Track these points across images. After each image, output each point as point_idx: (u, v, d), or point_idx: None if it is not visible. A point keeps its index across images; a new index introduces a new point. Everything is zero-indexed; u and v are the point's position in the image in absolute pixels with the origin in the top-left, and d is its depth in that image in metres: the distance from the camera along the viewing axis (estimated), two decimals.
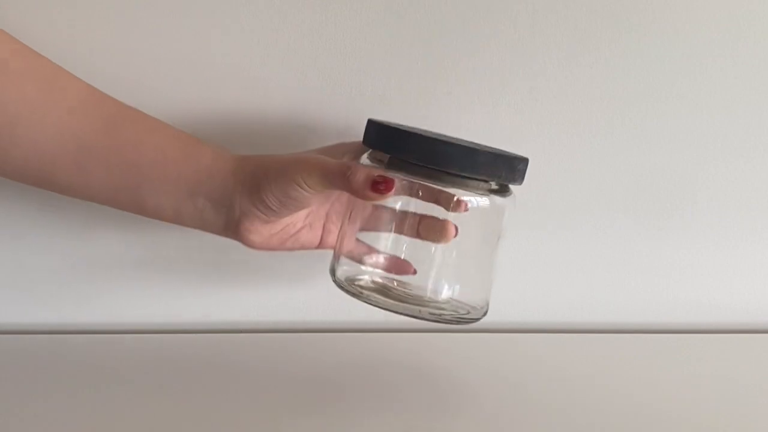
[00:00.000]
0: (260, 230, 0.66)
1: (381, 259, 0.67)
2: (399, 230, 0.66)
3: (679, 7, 0.75)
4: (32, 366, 0.72)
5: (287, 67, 0.74)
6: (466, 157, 0.60)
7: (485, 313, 0.66)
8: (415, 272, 0.66)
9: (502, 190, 0.64)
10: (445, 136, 0.66)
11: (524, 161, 0.64)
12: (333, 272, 0.66)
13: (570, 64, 0.76)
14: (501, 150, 0.66)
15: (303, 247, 0.69)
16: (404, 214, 0.65)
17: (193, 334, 0.79)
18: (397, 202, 0.66)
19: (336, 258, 0.67)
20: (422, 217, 0.65)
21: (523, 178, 0.64)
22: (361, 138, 0.66)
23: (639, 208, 0.79)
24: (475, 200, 0.63)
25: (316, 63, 0.74)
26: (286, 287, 0.77)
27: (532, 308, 0.80)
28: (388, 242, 0.67)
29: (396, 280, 0.66)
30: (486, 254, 0.66)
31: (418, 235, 0.66)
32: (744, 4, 0.75)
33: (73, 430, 0.62)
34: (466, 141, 0.66)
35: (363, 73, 0.75)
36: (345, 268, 0.67)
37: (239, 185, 0.64)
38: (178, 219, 0.66)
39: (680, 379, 0.72)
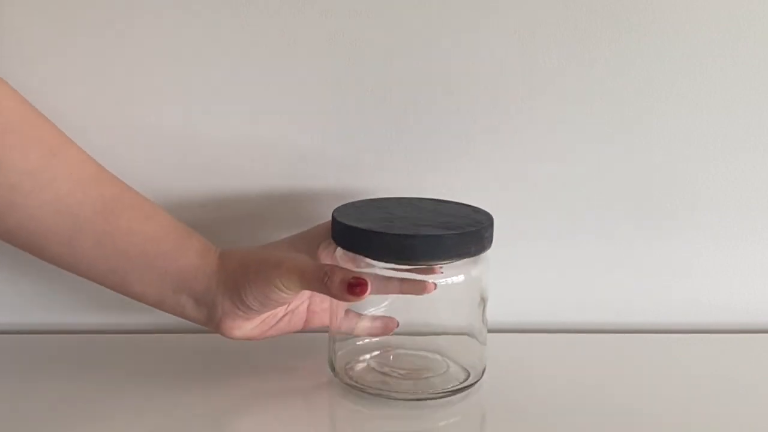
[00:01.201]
0: (241, 326, 0.67)
1: (370, 322, 0.70)
2: (383, 292, 0.68)
3: (679, 7, 0.75)
4: (29, 366, 0.72)
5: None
6: (433, 246, 0.63)
7: (483, 371, 0.68)
8: (398, 325, 0.70)
9: (474, 261, 0.66)
10: (415, 202, 0.70)
11: (490, 225, 0.66)
12: (332, 366, 0.69)
13: (570, 64, 0.76)
14: (464, 212, 0.68)
15: (287, 332, 0.71)
16: (387, 279, 0.67)
17: (193, 334, 0.79)
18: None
19: (331, 341, 0.69)
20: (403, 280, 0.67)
21: (491, 241, 0.66)
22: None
23: (639, 207, 0.79)
24: (450, 279, 0.66)
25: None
26: None
27: (532, 308, 0.80)
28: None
29: (391, 367, 0.69)
30: (475, 319, 0.68)
31: (401, 292, 0.68)
32: (744, 4, 0.75)
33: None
34: (432, 204, 0.70)
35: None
36: (340, 354, 0.69)
37: (221, 286, 0.66)
38: (160, 307, 0.68)
39: (680, 379, 0.72)
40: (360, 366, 0.69)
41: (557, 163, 0.78)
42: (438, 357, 0.70)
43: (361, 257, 0.65)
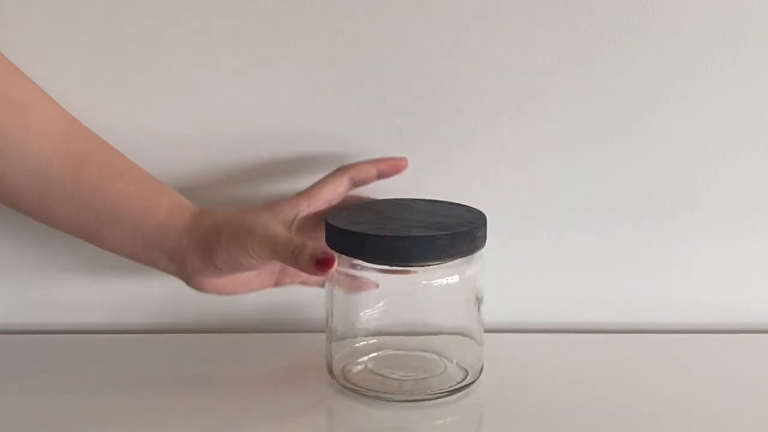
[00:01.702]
0: (211, 282, 0.68)
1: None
2: None
3: (679, 7, 0.75)
4: (26, 366, 0.72)
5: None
6: (425, 247, 0.63)
7: (481, 371, 0.68)
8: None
9: (468, 261, 0.66)
10: (409, 203, 0.70)
11: (483, 225, 0.66)
12: (330, 369, 0.69)
13: (570, 64, 0.76)
14: (458, 212, 0.69)
15: (258, 290, 0.71)
16: None
17: (193, 335, 0.79)
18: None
19: (328, 344, 0.69)
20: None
21: (485, 240, 0.67)
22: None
23: (639, 207, 0.79)
24: (444, 280, 0.66)
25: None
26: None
27: (533, 308, 0.80)
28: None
29: (389, 369, 0.69)
30: (471, 319, 0.69)
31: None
32: (744, 4, 0.75)
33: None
34: (425, 206, 0.70)
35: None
36: (338, 357, 0.69)
37: (193, 244, 0.66)
38: (134, 259, 0.69)
39: (680, 379, 0.72)
40: (357, 368, 0.69)
41: (557, 163, 0.78)
42: (435, 357, 0.70)
43: (355, 260, 0.65)
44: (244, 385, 0.68)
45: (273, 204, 0.70)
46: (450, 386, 0.66)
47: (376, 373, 0.68)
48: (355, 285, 0.67)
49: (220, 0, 0.73)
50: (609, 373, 0.73)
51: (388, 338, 0.70)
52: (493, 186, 0.78)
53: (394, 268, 0.65)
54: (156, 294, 0.79)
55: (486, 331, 0.69)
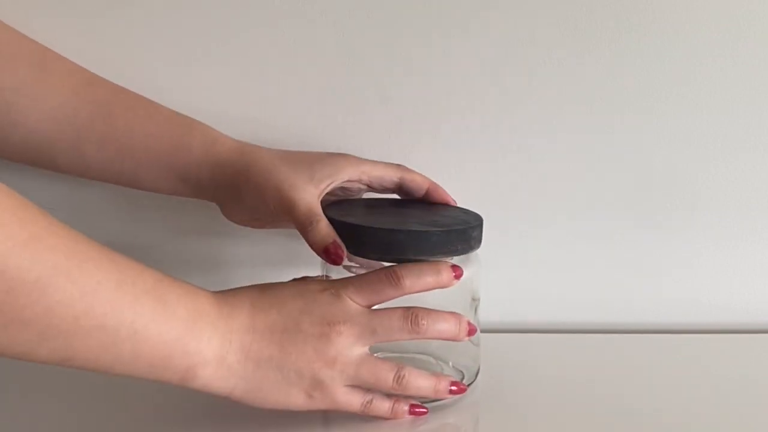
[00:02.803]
0: (240, 215, 0.69)
1: None
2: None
3: (679, 7, 0.75)
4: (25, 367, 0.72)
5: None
6: (419, 241, 0.62)
7: (478, 372, 0.68)
8: None
9: (465, 262, 0.65)
10: (406, 203, 0.70)
11: (479, 226, 0.66)
12: None
13: (570, 63, 0.76)
14: (454, 213, 0.69)
15: (284, 228, 0.70)
16: None
17: None
18: None
19: None
20: None
21: (480, 241, 0.66)
22: None
23: (639, 207, 0.79)
24: None
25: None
26: None
27: (531, 308, 0.80)
28: None
29: None
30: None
31: None
32: (744, 4, 0.75)
33: None
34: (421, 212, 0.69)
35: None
36: None
37: (220, 188, 0.67)
38: (176, 195, 0.69)
39: (680, 379, 0.72)
40: None
41: (556, 163, 0.78)
42: (431, 359, 0.70)
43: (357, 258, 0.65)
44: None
45: (317, 161, 0.68)
46: None
47: None
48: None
49: (220, 0, 0.74)
50: (608, 373, 0.73)
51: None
52: (491, 185, 0.78)
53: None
54: None
55: (482, 331, 0.69)
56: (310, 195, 0.65)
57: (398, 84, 0.76)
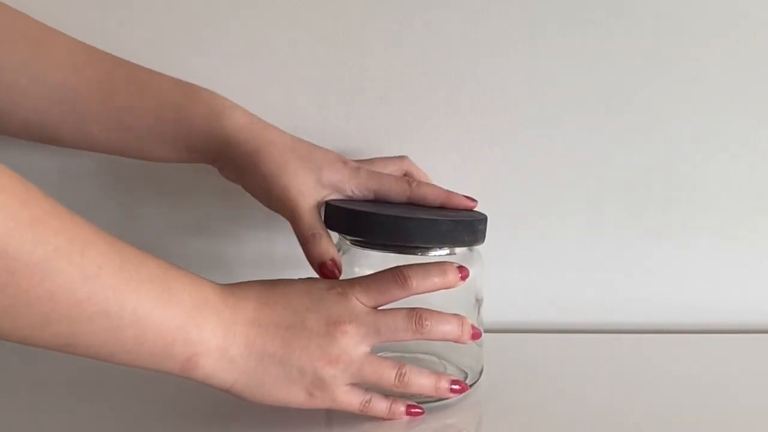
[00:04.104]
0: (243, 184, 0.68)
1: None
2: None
3: (679, 7, 0.75)
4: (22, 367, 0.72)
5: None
6: (428, 229, 0.62)
7: (481, 372, 0.68)
8: None
9: (468, 260, 0.65)
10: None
11: (484, 221, 0.66)
12: None
13: (571, 63, 0.76)
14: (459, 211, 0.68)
15: None
16: None
17: None
18: None
19: None
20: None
21: (484, 237, 0.66)
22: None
23: (640, 208, 0.79)
24: None
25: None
26: None
27: (533, 308, 0.80)
28: None
29: None
30: (470, 320, 0.67)
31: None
32: (744, 4, 0.75)
33: None
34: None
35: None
36: None
37: (228, 163, 0.67)
38: (185, 161, 0.69)
39: (680, 379, 0.72)
40: None
41: (557, 164, 0.78)
42: (435, 359, 0.69)
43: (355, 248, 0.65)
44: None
45: (326, 165, 0.67)
46: None
47: None
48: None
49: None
50: (609, 373, 0.73)
51: None
52: (492, 185, 0.78)
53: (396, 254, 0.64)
54: None
55: (486, 331, 0.69)
56: (313, 202, 0.65)
57: (398, 85, 0.76)
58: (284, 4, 0.73)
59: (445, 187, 0.73)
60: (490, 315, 0.70)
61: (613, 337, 0.79)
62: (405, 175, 0.71)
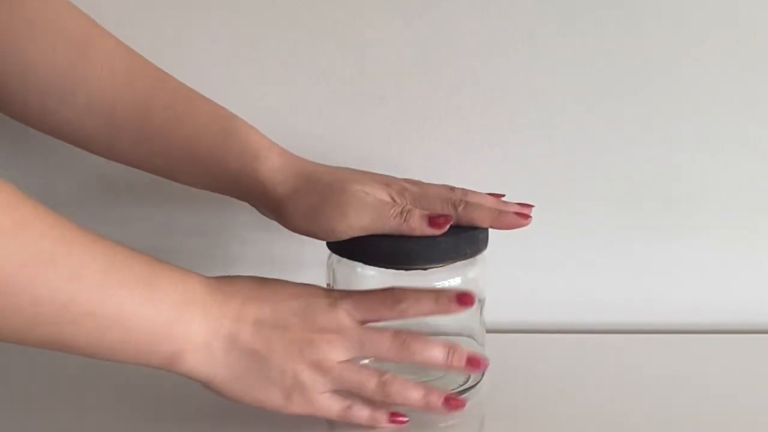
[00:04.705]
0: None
1: None
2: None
3: (679, 7, 0.75)
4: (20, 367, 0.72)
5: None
6: (428, 249, 0.62)
7: (483, 373, 0.67)
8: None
9: (471, 263, 0.66)
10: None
11: (485, 229, 0.66)
12: None
13: (571, 63, 0.76)
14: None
15: None
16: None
17: None
18: None
19: None
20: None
21: (487, 242, 0.66)
22: None
23: (640, 208, 0.79)
24: (446, 282, 0.65)
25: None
26: None
27: (533, 308, 0.80)
28: None
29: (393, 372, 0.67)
30: (472, 320, 0.68)
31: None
32: (744, 4, 0.75)
33: None
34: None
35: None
36: None
37: (265, 203, 0.65)
38: (216, 192, 0.67)
39: (680, 380, 0.72)
40: None
41: (557, 164, 0.78)
42: None
43: (356, 263, 0.65)
44: None
45: (368, 184, 0.65)
46: (452, 389, 0.66)
47: None
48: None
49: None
50: (610, 373, 0.73)
51: None
52: (492, 186, 0.77)
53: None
54: None
55: (487, 331, 0.69)
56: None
57: (398, 85, 0.76)
58: (284, 4, 0.73)
59: None
60: (492, 315, 0.70)
61: (614, 337, 0.79)
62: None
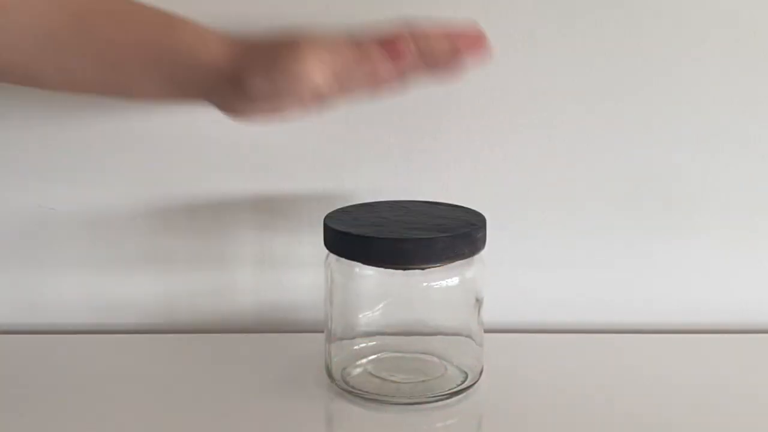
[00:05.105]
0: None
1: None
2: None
3: (679, 7, 0.75)
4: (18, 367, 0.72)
5: None
6: (425, 249, 0.63)
7: (481, 373, 0.68)
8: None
9: (468, 262, 0.66)
10: (407, 206, 0.70)
11: (483, 227, 0.66)
12: (329, 372, 0.68)
13: (571, 63, 0.76)
14: (456, 214, 0.68)
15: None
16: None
17: (189, 335, 0.79)
18: None
19: (327, 346, 0.69)
20: None
21: (485, 242, 0.66)
22: None
23: (640, 208, 0.79)
24: (444, 282, 0.65)
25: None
26: None
27: (531, 308, 0.80)
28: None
29: (388, 371, 0.68)
30: (470, 320, 0.68)
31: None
32: (744, 5, 0.75)
33: None
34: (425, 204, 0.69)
35: None
36: (336, 360, 0.68)
37: (222, 80, 0.64)
38: (180, 102, 0.68)
39: (680, 380, 0.71)
40: (357, 371, 0.69)
41: (557, 164, 0.78)
42: (435, 359, 0.69)
43: (354, 263, 0.65)
44: (241, 387, 0.68)
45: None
46: (450, 389, 0.66)
47: (375, 376, 0.68)
48: None
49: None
50: (609, 373, 0.73)
51: (387, 340, 0.70)
52: (491, 186, 0.78)
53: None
54: (149, 293, 0.79)
55: (486, 331, 0.69)
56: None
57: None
58: (284, 4, 0.73)
59: (446, 190, 0.73)
60: (491, 315, 0.70)
61: (613, 337, 0.79)
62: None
